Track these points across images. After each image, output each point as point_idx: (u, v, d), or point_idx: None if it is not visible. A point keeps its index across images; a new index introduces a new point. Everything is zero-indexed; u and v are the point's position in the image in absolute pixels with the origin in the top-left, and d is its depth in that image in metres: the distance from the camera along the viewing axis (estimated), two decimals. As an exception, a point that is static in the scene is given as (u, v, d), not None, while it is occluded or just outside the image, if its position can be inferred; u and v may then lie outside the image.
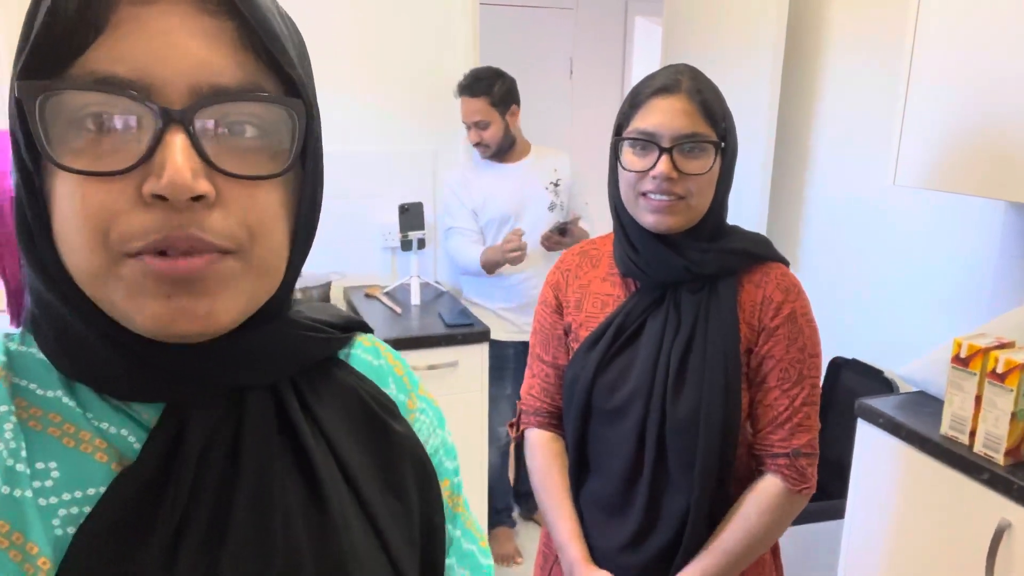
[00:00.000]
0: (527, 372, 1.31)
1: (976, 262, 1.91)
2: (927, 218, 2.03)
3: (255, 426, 0.49)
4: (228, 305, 0.46)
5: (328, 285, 2.44)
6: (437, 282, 2.73)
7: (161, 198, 0.41)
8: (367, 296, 2.56)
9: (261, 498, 0.47)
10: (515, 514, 2.90)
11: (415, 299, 2.49)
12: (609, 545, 1.18)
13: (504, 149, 2.51)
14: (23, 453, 0.44)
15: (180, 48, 0.42)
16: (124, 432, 0.47)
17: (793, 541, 1.88)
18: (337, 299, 2.64)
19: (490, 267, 2.43)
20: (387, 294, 2.57)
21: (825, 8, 2.33)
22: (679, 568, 1.14)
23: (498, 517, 2.80)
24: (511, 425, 1.35)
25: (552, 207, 2.54)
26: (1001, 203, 1.82)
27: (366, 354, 0.63)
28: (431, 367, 2.20)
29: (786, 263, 1.19)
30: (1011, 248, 1.81)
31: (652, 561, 1.15)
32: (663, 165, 1.05)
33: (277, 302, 0.51)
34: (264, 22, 0.45)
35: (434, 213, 2.74)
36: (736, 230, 1.19)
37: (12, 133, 0.44)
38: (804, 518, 2.04)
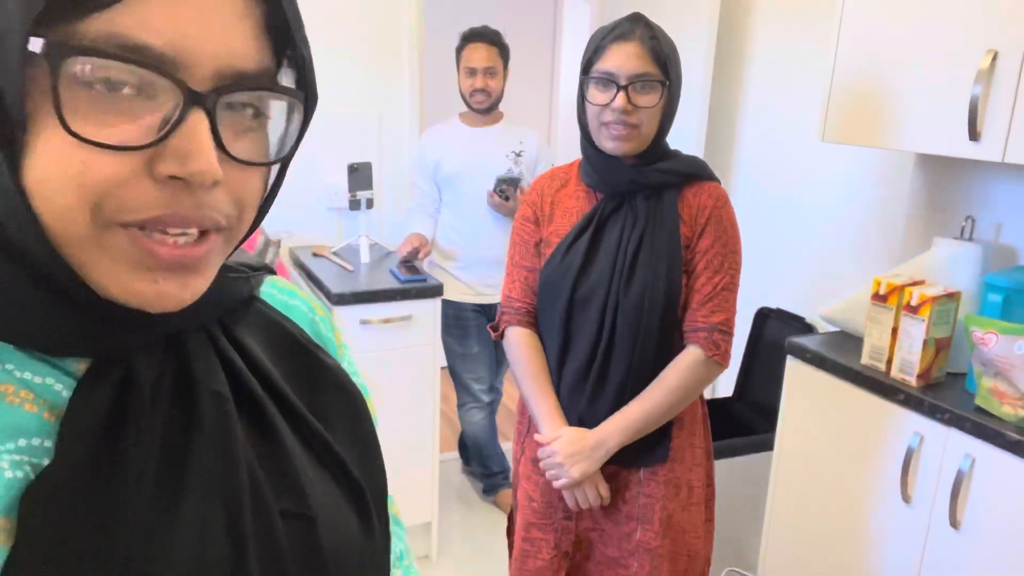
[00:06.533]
0: (506, 280, 1.53)
1: (888, 213, 2.12)
2: (844, 173, 2.24)
3: (203, 365, 0.48)
4: (208, 278, 0.47)
5: (279, 243, 2.45)
6: (384, 242, 2.78)
7: (176, 178, 0.40)
8: (315, 256, 2.59)
9: (225, 437, 0.47)
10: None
11: (365, 257, 2.52)
12: (572, 410, 1.44)
13: (494, 106, 2.60)
14: None
15: (211, 26, 0.40)
16: (50, 381, 0.44)
17: (726, 474, 2.05)
18: (284, 259, 2.65)
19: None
20: (335, 253, 2.60)
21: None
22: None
23: (494, 480, 2.89)
24: (491, 328, 1.55)
25: (509, 174, 2.61)
26: (911, 156, 2.03)
27: (282, 294, 0.64)
28: (386, 320, 2.26)
29: (718, 181, 1.45)
30: (920, 199, 2.02)
31: (601, 420, 1.40)
32: (620, 100, 1.31)
33: None
34: (292, 6, 0.45)
35: (381, 174, 2.78)
36: (678, 153, 1.44)
37: None
38: (734, 452, 2.22)
